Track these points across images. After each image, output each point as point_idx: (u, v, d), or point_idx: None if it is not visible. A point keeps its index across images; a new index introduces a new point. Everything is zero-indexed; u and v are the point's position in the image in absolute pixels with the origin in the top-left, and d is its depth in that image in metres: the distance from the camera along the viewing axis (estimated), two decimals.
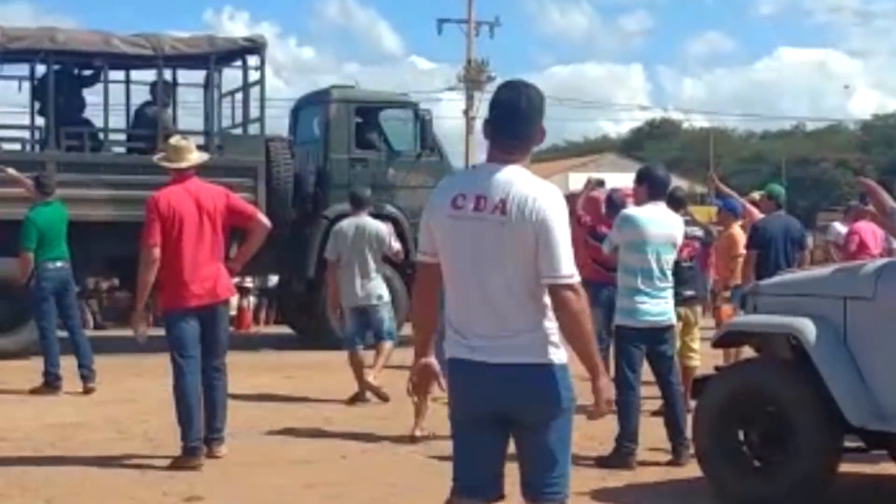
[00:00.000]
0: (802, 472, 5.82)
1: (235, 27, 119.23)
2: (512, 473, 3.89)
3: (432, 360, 4.03)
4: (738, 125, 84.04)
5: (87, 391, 10.14)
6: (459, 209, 3.75)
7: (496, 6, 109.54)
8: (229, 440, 7.30)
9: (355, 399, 9.79)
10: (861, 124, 76.56)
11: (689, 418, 6.79)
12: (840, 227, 12.32)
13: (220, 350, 7.20)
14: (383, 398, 9.50)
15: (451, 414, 3.95)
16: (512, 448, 3.90)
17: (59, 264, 10.29)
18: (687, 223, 8.04)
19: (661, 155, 60.62)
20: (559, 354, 3.78)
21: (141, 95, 15.05)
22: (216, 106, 14.90)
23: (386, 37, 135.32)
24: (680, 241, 7.32)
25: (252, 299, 21.18)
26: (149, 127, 14.07)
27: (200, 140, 13.34)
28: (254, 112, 14.57)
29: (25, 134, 14.64)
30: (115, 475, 6.81)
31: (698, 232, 8.79)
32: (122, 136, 14.87)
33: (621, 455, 7.04)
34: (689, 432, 6.79)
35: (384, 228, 9.96)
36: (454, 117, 51.32)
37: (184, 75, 15.62)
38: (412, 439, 7.85)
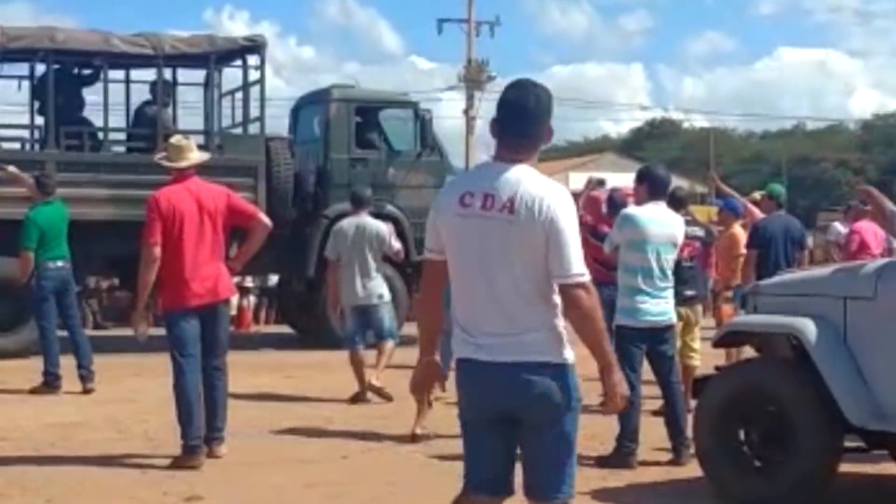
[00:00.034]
0: (803, 471, 5.82)
1: (235, 26, 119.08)
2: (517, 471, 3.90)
3: (436, 358, 4.03)
4: (738, 125, 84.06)
5: (86, 391, 10.13)
6: (467, 207, 3.76)
7: (496, 6, 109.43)
8: (229, 440, 7.30)
9: (356, 398, 9.79)
10: (861, 124, 76.56)
11: (690, 418, 6.79)
12: (840, 227, 12.33)
13: (220, 349, 7.20)
14: (387, 398, 9.49)
15: (460, 413, 3.96)
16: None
17: (59, 264, 10.29)
18: (688, 223, 8.03)
19: (661, 155, 60.63)
20: (566, 354, 3.79)
21: (141, 95, 15.06)
22: (216, 105, 14.91)
23: (386, 36, 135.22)
24: (681, 240, 7.32)
25: (252, 299, 21.21)
26: (149, 126, 14.08)
27: (200, 140, 13.34)
28: (254, 111, 14.57)
29: (25, 133, 14.64)
30: (115, 475, 6.81)
31: (699, 232, 8.78)
32: (122, 136, 14.88)
33: (622, 455, 7.03)
34: (689, 432, 6.79)
35: (384, 228, 9.97)
36: (454, 117, 51.23)
37: (184, 75, 15.65)
38: (413, 438, 7.85)
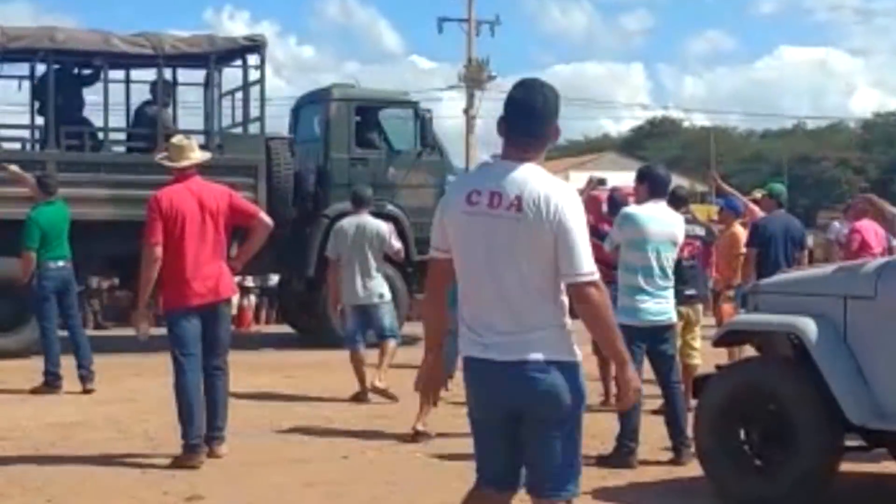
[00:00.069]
0: (803, 470, 5.81)
1: (235, 26, 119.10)
2: None
3: (441, 358, 4.04)
4: (738, 124, 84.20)
5: (86, 392, 10.13)
6: (474, 205, 3.77)
7: (497, 5, 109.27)
8: (230, 439, 7.30)
9: (356, 398, 9.79)
10: (862, 123, 76.58)
11: (690, 417, 6.79)
12: (840, 226, 12.33)
13: (221, 349, 7.20)
14: (392, 398, 9.48)
15: (468, 410, 3.99)
16: None
17: (60, 264, 10.30)
18: (688, 222, 8.03)
19: (661, 154, 60.70)
20: (573, 352, 3.80)
21: (141, 95, 15.07)
22: (216, 105, 14.91)
23: (386, 36, 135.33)
24: (681, 239, 7.31)
25: (253, 298, 21.20)
26: (149, 126, 14.08)
27: (201, 139, 13.33)
28: (254, 111, 14.57)
29: (26, 133, 14.64)
30: (115, 474, 6.81)
31: (700, 231, 8.78)
32: (123, 136, 14.88)
33: (622, 454, 7.03)
34: (690, 431, 6.78)
35: (385, 227, 9.98)
36: (455, 116, 51.31)
37: (184, 74, 15.64)
38: (414, 434, 7.83)
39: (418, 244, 14.27)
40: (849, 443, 6.05)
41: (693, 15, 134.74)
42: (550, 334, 3.76)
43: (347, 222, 9.92)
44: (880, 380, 5.74)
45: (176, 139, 7.53)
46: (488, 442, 3.94)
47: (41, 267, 10.19)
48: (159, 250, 6.93)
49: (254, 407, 9.28)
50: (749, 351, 8.02)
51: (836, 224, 12.97)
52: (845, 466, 6.20)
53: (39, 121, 14.14)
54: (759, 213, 10.43)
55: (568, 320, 3.81)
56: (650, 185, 7.22)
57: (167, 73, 14.69)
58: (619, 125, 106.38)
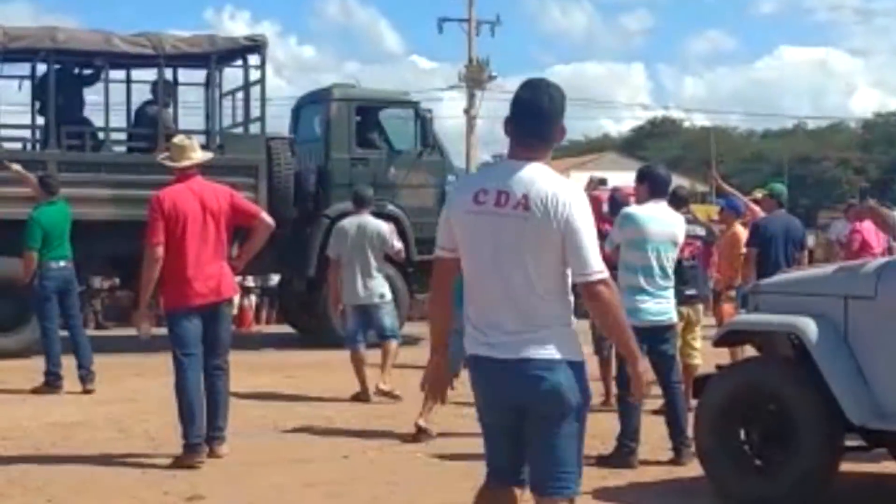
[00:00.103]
0: (803, 470, 5.82)
1: (236, 26, 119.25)
2: None
3: (446, 358, 4.06)
4: (739, 124, 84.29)
5: (86, 392, 10.13)
6: (481, 204, 3.79)
7: (497, 5, 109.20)
8: (231, 439, 7.30)
9: (357, 398, 9.79)
10: (862, 123, 76.60)
11: (691, 417, 6.79)
12: (841, 226, 12.33)
13: (222, 349, 7.21)
14: (397, 399, 9.48)
15: (476, 407, 4.03)
16: None
17: (62, 264, 10.30)
18: (689, 222, 8.03)
19: (662, 154, 60.73)
20: (578, 352, 3.83)
21: (142, 95, 15.07)
22: (217, 105, 14.91)
23: (387, 36, 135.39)
24: (681, 239, 7.31)
25: (253, 298, 21.19)
26: (150, 126, 14.07)
27: (201, 139, 13.34)
28: (255, 111, 14.56)
29: (26, 133, 14.64)
30: (116, 474, 6.81)
31: (700, 231, 8.78)
32: (123, 136, 14.88)
33: (622, 454, 7.03)
34: (690, 431, 6.79)
35: (385, 227, 9.98)
36: (455, 116, 51.33)
37: (185, 74, 15.63)
38: (415, 433, 7.82)
39: (419, 244, 14.28)
40: (849, 443, 6.05)
41: (693, 15, 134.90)
42: (556, 333, 3.78)
43: (348, 222, 9.92)
44: (880, 380, 5.74)
45: (177, 139, 7.54)
46: (495, 439, 3.98)
47: (42, 267, 10.19)
48: (161, 250, 6.94)
49: (254, 407, 9.29)
50: (751, 351, 8.03)
51: (838, 223, 12.98)
52: (845, 466, 6.20)
53: (40, 121, 14.14)
54: (760, 213, 10.44)
55: (574, 319, 3.84)
56: (650, 185, 7.23)
57: (168, 73, 14.68)
58: (620, 125, 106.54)
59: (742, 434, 6.18)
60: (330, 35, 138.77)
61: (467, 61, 38.02)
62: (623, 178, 15.33)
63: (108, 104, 13.99)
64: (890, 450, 6.51)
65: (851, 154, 67.51)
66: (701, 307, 8.86)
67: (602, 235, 8.45)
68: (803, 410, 5.84)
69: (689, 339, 8.56)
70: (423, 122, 15.28)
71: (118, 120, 14.88)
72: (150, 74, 14.78)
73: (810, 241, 13.26)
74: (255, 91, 14.62)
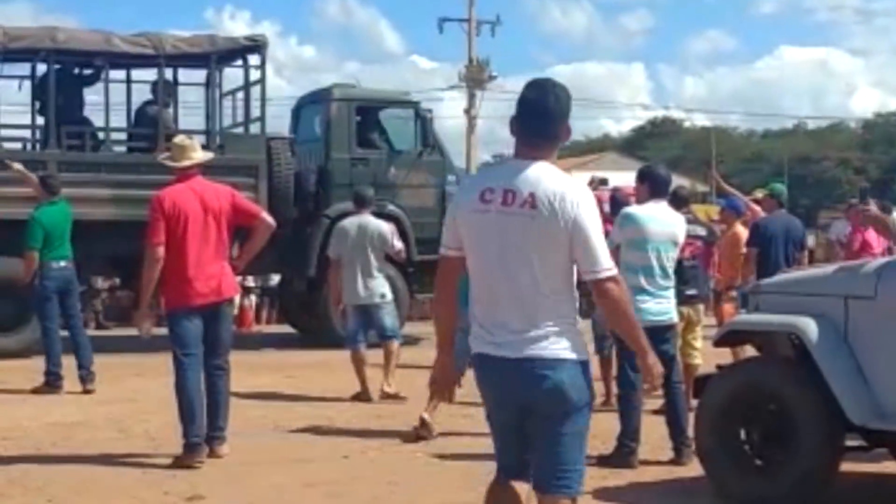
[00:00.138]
0: (804, 470, 5.82)
1: (236, 26, 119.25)
2: None
3: (451, 357, 4.08)
4: (739, 124, 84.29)
5: (86, 392, 10.13)
6: (487, 203, 3.80)
7: (497, 5, 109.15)
8: (231, 439, 7.30)
9: (357, 398, 9.79)
10: (863, 123, 76.61)
11: (691, 417, 6.79)
12: (842, 226, 12.33)
13: (222, 349, 7.20)
14: (402, 400, 9.48)
15: (484, 405, 4.05)
16: None
17: (63, 264, 10.30)
18: (690, 222, 8.03)
19: (662, 154, 60.72)
20: (582, 351, 3.84)
21: (142, 95, 15.07)
22: (217, 105, 14.91)
23: (387, 36, 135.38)
24: (681, 239, 7.31)
25: (254, 298, 21.19)
26: (150, 126, 14.07)
27: (202, 139, 13.35)
28: (255, 111, 14.57)
29: (26, 133, 14.64)
30: (116, 474, 6.81)
31: (701, 231, 8.79)
32: (124, 136, 14.88)
33: (623, 454, 7.03)
34: (690, 431, 6.79)
35: (386, 227, 9.98)
36: (455, 116, 51.28)
37: (185, 74, 15.65)
38: (418, 427, 7.82)
39: (419, 244, 14.29)
40: (849, 443, 6.05)
41: (693, 15, 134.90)
42: (561, 332, 3.79)
43: (349, 222, 9.93)
44: (881, 380, 5.74)
45: (178, 139, 7.54)
46: (502, 436, 4.01)
47: (43, 267, 10.19)
48: (162, 250, 6.93)
49: (255, 407, 9.29)
50: (752, 352, 8.03)
51: (838, 223, 12.98)
52: (846, 466, 6.20)
53: (40, 121, 14.14)
54: (760, 213, 10.44)
55: (579, 319, 3.87)
56: (651, 185, 7.23)
57: (168, 73, 14.70)
58: (620, 125, 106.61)
59: (742, 434, 6.17)
60: (330, 35, 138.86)
61: (467, 61, 38.02)
62: (623, 178, 15.32)
63: (108, 104, 14.01)
64: (890, 450, 6.51)
65: (852, 154, 67.51)
66: (701, 307, 8.86)
67: (603, 235, 8.50)
68: (804, 410, 5.84)
69: (689, 339, 8.56)
70: (424, 122, 15.29)
71: (118, 120, 14.91)
72: (150, 74, 14.79)
73: (810, 241, 13.27)
74: (256, 91, 14.63)
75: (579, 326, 3.88)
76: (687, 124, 75.05)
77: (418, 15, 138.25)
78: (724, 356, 8.95)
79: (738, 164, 63.62)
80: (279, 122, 21.24)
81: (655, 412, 7.98)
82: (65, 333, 10.51)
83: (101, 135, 14.21)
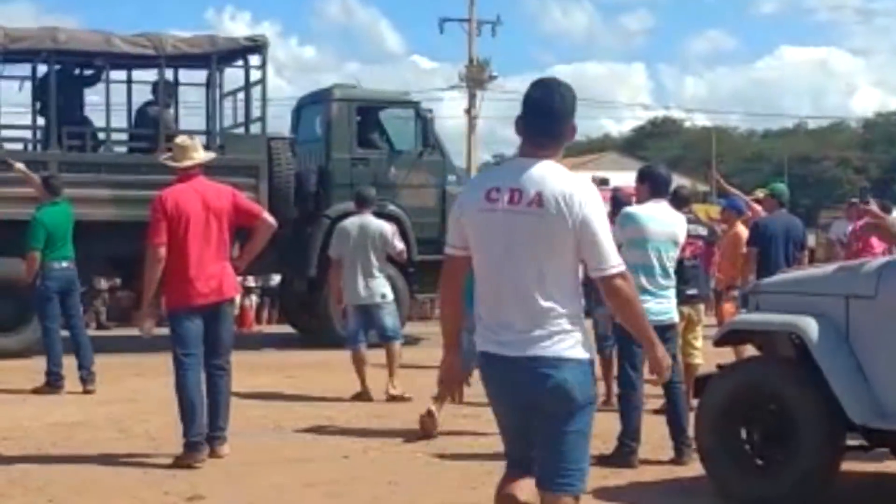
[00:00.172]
0: (804, 470, 5.81)
1: (237, 27, 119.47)
2: None
3: (459, 358, 4.11)
4: (739, 124, 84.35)
5: (86, 393, 10.13)
6: (493, 202, 3.81)
7: (498, 5, 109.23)
8: (231, 439, 7.30)
9: (358, 398, 9.79)
10: (863, 122, 76.63)
11: (692, 417, 6.79)
12: (842, 226, 12.32)
13: (223, 349, 7.20)
14: (408, 401, 9.49)
15: (490, 402, 4.08)
16: None
17: (64, 264, 10.31)
18: (691, 221, 8.03)
19: (662, 153, 60.74)
20: (586, 350, 3.85)
21: (142, 95, 15.08)
22: (218, 105, 14.91)
23: (387, 36, 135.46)
24: (682, 239, 7.31)
25: (254, 298, 21.20)
26: (150, 127, 14.08)
27: (202, 140, 13.33)
28: (255, 111, 14.60)
29: (27, 134, 14.64)
30: (117, 474, 6.81)
31: (702, 230, 8.78)
32: (124, 136, 14.89)
33: (623, 454, 7.03)
34: (691, 431, 6.78)
35: (388, 228, 9.99)
36: (456, 116, 51.41)
37: (185, 75, 15.66)
38: (423, 417, 7.83)
39: (419, 244, 14.29)
40: (850, 442, 6.04)
41: (694, 15, 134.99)
42: (565, 331, 3.80)
43: (350, 222, 9.93)
44: (881, 379, 5.73)
45: (180, 139, 7.54)
46: (508, 432, 4.04)
47: (45, 267, 10.19)
48: (163, 251, 6.93)
49: (255, 407, 9.29)
50: (754, 351, 8.03)
51: (839, 223, 12.97)
52: (846, 466, 6.20)
53: (41, 121, 14.15)
54: (762, 212, 10.44)
55: (583, 319, 3.88)
56: (651, 185, 7.23)
57: (169, 74, 14.71)
58: (621, 125, 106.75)
59: (743, 433, 6.17)
60: (331, 35, 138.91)
61: (468, 61, 38.03)
62: (624, 177, 15.36)
63: (108, 105, 14.02)
64: (891, 449, 6.50)
65: (852, 154, 67.54)
66: (702, 307, 8.86)
67: None
68: (804, 410, 5.84)
69: (690, 339, 8.56)
70: (424, 122, 15.29)
71: (119, 120, 14.93)
72: (150, 75, 14.82)
73: (811, 240, 13.26)
74: (256, 91, 14.65)
75: (584, 325, 3.88)
76: (687, 124, 75.14)
77: (419, 15, 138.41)
78: (725, 356, 8.96)
79: (738, 164, 63.63)
80: (280, 123, 21.31)
81: (656, 412, 7.99)
82: (65, 333, 10.52)
83: (101, 135, 14.23)
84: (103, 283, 18.73)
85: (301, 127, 15.92)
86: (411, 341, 11.25)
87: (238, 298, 15.81)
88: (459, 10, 38.94)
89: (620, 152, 63.45)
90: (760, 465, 6.11)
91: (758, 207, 10.78)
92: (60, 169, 12.60)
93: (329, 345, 13.24)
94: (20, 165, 11.61)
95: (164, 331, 7.23)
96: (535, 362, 3.78)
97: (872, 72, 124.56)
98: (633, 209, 7.26)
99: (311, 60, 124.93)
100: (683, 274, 7.72)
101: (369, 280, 9.67)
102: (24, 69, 14.66)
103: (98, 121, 14.32)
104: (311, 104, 15.97)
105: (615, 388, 8.10)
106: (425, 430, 7.84)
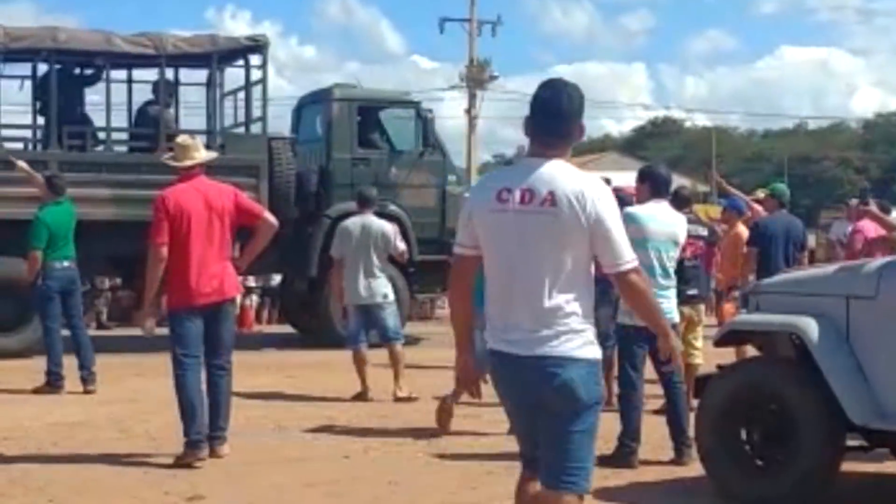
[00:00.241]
0: (805, 470, 5.81)
1: (237, 26, 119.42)
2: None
3: (472, 358, 4.13)
4: (740, 124, 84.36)
5: (87, 393, 10.14)
6: (504, 203, 3.83)
7: (498, 5, 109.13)
8: (231, 439, 7.30)
9: (358, 398, 9.79)
10: (863, 122, 76.61)
11: (692, 417, 6.79)
12: (842, 226, 12.32)
13: (224, 349, 7.20)
14: (415, 400, 9.50)
15: (500, 400, 4.11)
16: None
17: (66, 264, 10.31)
18: (691, 222, 8.04)
19: (663, 153, 60.72)
20: (593, 350, 3.87)
21: (143, 95, 15.08)
22: (218, 105, 14.93)
23: (388, 36, 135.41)
24: (682, 239, 7.31)
25: (255, 298, 21.20)
26: (151, 126, 14.08)
27: (203, 139, 13.33)
28: (256, 111, 14.60)
29: (27, 133, 14.64)
30: (117, 474, 6.81)
31: (703, 231, 8.79)
32: (125, 136, 14.89)
33: (623, 454, 7.03)
34: (691, 431, 6.79)
35: (390, 228, 9.99)
36: (456, 116, 51.37)
37: (186, 74, 15.67)
38: (439, 410, 7.80)
39: (420, 244, 14.29)
40: (850, 442, 6.05)
41: (694, 15, 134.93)
42: (573, 331, 3.82)
43: (352, 222, 9.93)
44: (882, 379, 5.73)
45: (181, 138, 7.55)
46: (519, 429, 4.08)
47: (47, 267, 10.19)
48: (165, 250, 6.93)
49: (255, 407, 9.29)
50: (755, 352, 8.03)
51: (839, 223, 12.96)
52: (847, 466, 6.20)
53: (41, 121, 14.15)
54: (762, 213, 10.44)
55: (592, 318, 3.89)
56: (651, 185, 7.23)
57: (169, 73, 14.71)
58: (621, 125, 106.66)
59: (743, 434, 6.17)
60: (331, 35, 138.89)
61: (468, 61, 38.02)
62: (624, 177, 15.32)
63: (109, 104, 14.01)
64: (891, 449, 6.50)
65: (852, 154, 67.52)
66: (702, 307, 8.87)
67: None
68: (804, 410, 5.84)
69: (690, 339, 8.56)
70: (425, 122, 15.29)
71: (119, 120, 14.93)
72: (151, 74, 14.82)
73: (811, 241, 13.26)
74: (257, 91, 14.65)
75: (592, 325, 3.89)
76: (688, 124, 75.11)
77: (419, 15, 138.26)
78: (725, 356, 8.96)
79: (738, 164, 63.63)
80: (280, 122, 21.28)
81: (656, 412, 7.99)
82: (66, 333, 10.52)
83: (102, 135, 14.22)
84: (104, 283, 18.72)
85: (301, 127, 15.92)
86: (412, 341, 11.25)
87: (239, 298, 15.81)
88: (460, 10, 38.97)
89: (621, 152, 63.44)
90: (760, 465, 6.11)
91: (758, 207, 10.78)
92: (61, 168, 12.59)
93: (329, 345, 13.25)
94: (23, 164, 11.61)
95: (166, 331, 7.23)
96: (543, 361, 3.80)
97: (873, 72, 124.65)
98: (634, 209, 7.26)
99: (311, 60, 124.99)
100: (684, 274, 7.72)
101: (371, 280, 9.67)
102: (25, 68, 14.67)
103: (98, 120, 14.33)
104: (312, 104, 15.98)
105: (615, 388, 8.10)
106: (441, 424, 7.92)
